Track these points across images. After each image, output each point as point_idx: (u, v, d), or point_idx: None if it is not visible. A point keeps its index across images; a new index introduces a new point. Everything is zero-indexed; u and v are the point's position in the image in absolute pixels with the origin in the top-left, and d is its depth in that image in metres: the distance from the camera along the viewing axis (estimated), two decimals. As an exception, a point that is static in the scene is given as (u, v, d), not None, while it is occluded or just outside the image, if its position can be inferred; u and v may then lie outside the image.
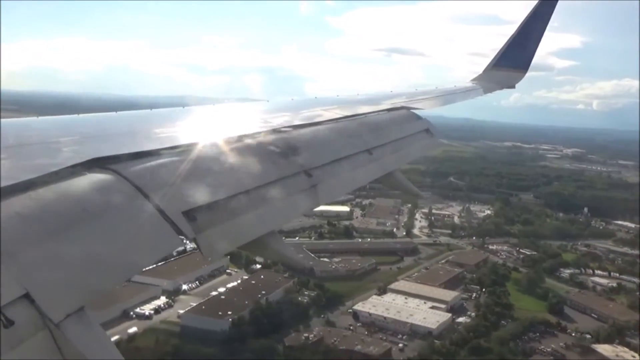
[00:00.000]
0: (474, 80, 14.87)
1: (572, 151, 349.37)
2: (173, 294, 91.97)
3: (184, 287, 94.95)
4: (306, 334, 75.90)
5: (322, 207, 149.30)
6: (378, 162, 6.95)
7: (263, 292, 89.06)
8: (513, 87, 15.09)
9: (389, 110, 9.06)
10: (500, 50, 15.19)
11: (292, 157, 5.44)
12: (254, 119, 6.81)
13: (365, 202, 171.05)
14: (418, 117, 9.26)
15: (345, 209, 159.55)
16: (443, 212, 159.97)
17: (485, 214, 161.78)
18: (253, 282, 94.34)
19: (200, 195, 4.07)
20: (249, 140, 5.44)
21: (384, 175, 7.09)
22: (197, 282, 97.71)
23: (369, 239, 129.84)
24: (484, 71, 15.24)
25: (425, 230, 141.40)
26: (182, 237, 3.68)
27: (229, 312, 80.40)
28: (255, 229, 4.40)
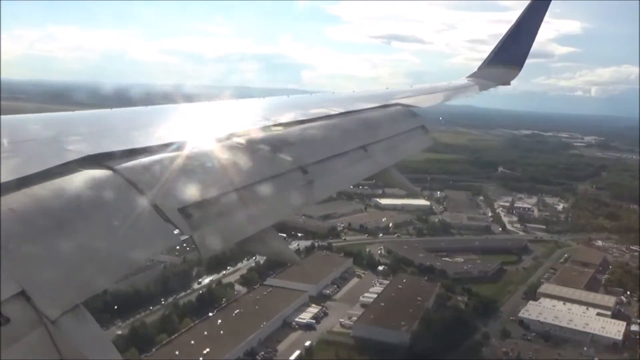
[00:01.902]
0: (469, 77, 14.45)
1: (593, 139, 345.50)
2: (319, 299, 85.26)
3: (326, 291, 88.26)
4: (504, 349, 69.79)
5: (403, 201, 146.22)
6: (373, 159, 6.73)
7: (419, 298, 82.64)
8: (508, 84, 14.69)
9: (384, 106, 8.77)
10: (496, 47, 14.78)
11: (287, 154, 5.24)
12: (249, 115, 6.62)
13: (437, 194, 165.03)
14: (413, 114, 9.00)
15: (425, 202, 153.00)
16: (523, 205, 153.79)
17: (560, 206, 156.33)
18: (400, 287, 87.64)
19: (196, 192, 3.91)
20: (244, 137, 5.20)
21: (379, 171, 6.83)
22: (335, 286, 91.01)
23: (465, 236, 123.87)
24: (479, 68, 14.83)
25: (517, 225, 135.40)
26: (178, 234, 3.52)
27: (402, 323, 73.92)
28: (251, 226, 4.21)
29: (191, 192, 3.90)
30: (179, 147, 4.39)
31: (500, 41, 14.85)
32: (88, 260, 2.97)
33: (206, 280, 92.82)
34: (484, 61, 14.91)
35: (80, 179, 3.41)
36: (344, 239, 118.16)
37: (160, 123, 5.51)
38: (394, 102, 9.20)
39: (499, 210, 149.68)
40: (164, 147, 4.32)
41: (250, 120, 6.13)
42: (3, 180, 3.03)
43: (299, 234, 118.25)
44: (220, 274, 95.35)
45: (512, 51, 14.63)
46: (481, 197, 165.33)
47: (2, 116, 4.49)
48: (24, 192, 3.02)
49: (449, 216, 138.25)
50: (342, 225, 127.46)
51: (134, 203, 3.47)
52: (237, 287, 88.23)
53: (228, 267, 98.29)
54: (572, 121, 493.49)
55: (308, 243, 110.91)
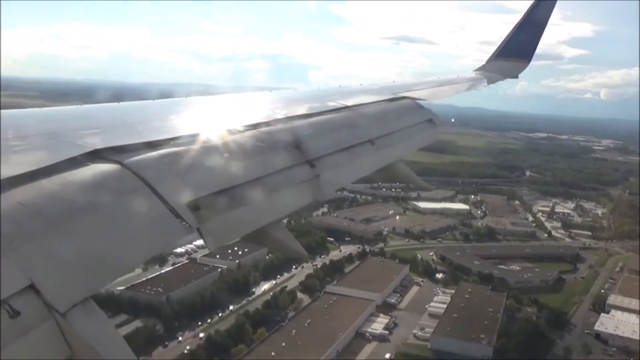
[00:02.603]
0: (477, 70, 14.07)
1: (610, 143, 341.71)
2: (385, 308, 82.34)
3: (391, 300, 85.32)
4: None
5: (442, 205, 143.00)
6: (381, 153, 6.52)
7: (490, 309, 79.73)
8: (516, 77, 14.35)
9: (391, 100, 8.55)
10: (504, 40, 14.40)
11: (294, 148, 5.13)
12: (257, 109, 6.43)
13: (471, 198, 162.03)
14: (421, 107, 8.78)
15: (464, 207, 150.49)
16: (562, 211, 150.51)
17: (599, 212, 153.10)
18: (467, 296, 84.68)
19: (204, 186, 3.86)
20: (251, 131, 5.12)
21: (387, 165, 6.64)
22: (398, 294, 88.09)
23: (512, 242, 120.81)
24: (488, 61, 14.43)
25: (561, 232, 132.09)
26: (186, 227, 3.48)
27: (482, 336, 71.00)
28: (258, 219, 4.17)
29: (199, 185, 3.82)
30: (187, 141, 4.29)
31: (508, 34, 14.42)
32: (96, 254, 2.91)
33: (264, 286, 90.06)
34: (492, 55, 14.56)
35: (88, 173, 3.37)
36: (384, 244, 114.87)
37: (168, 117, 5.40)
38: (401, 95, 8.94)
39: (539, 215, 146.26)
40: (172, 141, 4.23)
41: (257, 114, 5.92)
42: (12, 174, 2.98)
43: (346, 238, 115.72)
44: (276, 280, 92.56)
45: (520, 44, 14.22)
46: (517, 202, 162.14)
47: (10, 110, 4.50)
48: (33, 186, 2.99)
49: (491, 221, 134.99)
50: (387, 229, 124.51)
51: (141, 197, 3.41)
52: (299, 294, 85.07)
53: (283, 273, 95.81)
54: (583, 124, 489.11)
55: (357, 247, 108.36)
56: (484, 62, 14.66)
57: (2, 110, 4.24)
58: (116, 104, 5.74)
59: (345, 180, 5.88)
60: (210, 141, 4.50)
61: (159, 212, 3.40)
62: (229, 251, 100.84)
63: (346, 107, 7.15)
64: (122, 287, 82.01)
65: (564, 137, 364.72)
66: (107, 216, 3.17)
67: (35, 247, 2.67)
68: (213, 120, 5.52)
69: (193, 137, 4.40)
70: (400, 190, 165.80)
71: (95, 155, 3.59)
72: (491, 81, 13.25)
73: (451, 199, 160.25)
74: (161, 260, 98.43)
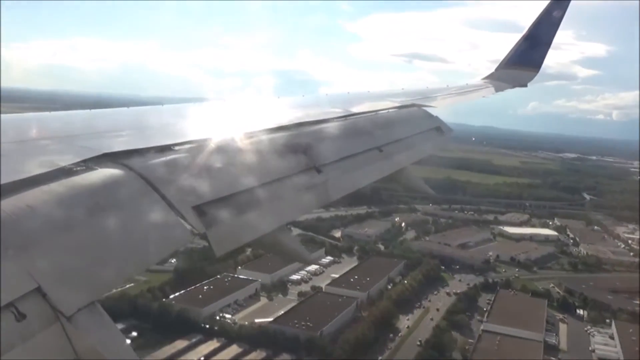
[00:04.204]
0: (485, 78, 13.74)
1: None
2: (549, 350, 75.25)
3: (551, 340, 78.39)
4: None
5: (530, 230, 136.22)
6: (389, 159, 6.46)
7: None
8: (525, 85, 13.85)
9: (399, 107, 8.46)
10: (512, 49, 14.05)
11: (302, 154, 5.09)
12: (265, 115, 6.43)
13: (549, 223, 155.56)
14: (429, 115, 8.64)
15: (553, 232, 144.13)
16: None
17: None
18: (633, 338, 77.56)
19: (211, 190, 3.83)
20: (259, 137, 5.09)
21: (394, 172, 6.52)
22: (554, 334, 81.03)
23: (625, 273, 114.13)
24: (496, 70, 14.06)
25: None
26: (193, 231, 3.46)
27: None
28: (265, 224, 4.12)
29: (206, 190, 3.77)
30: (195, 146, 4.25)
31: (517, 42, 13.95)
32: (103, 258, 2.87)
33: (405, 320, 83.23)
34: (501, 63, 14.07)
35: (96, 177, 3.33)
36: (496, 273, 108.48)
37: (176, 122, 5.38)
38: (410, 102, 8.74)
39: (630, 243, 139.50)
40: (180, 145, 4.18)
41: (265, 119, 5.83)
42: (21, 177, 2.94)
43: (456, 266, 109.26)
44: (412, 314, 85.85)
45: (529, 53, 13.70)
46: (595, 227, 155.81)
47: (19, 114, 4.51)
48: (41, 189, 2.94)
49: (589, 249, 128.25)
50: (491, 256, 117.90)
51: (149, 201, 3.35)
52: (454, 333, 78.11)
53: (415, 305, 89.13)
54: (599, 144, 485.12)
55: (459, 279, 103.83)
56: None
57: (11, 114, 4.11)
58: (125, 108, 5.58)
59: (352, 186, 5.53)
60: (217, 146, 4.38)
61: (166, 216, 3.32)
62: (351, 280, 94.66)
63: (353, 114, 7.04)
64: (268, 320, 75.85)
65: (593, 157, 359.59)
66: (115, 220, 3.05)
67: (42, 250, 2.58)
68: (221, 126, 5.41)
69: (201, 142, 4.32)
70: (472, 212, 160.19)
71: (104, 159, 3.49)
72: (499, 89, 12.82)
73: (529, 223, 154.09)
74: (283, 289, 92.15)
